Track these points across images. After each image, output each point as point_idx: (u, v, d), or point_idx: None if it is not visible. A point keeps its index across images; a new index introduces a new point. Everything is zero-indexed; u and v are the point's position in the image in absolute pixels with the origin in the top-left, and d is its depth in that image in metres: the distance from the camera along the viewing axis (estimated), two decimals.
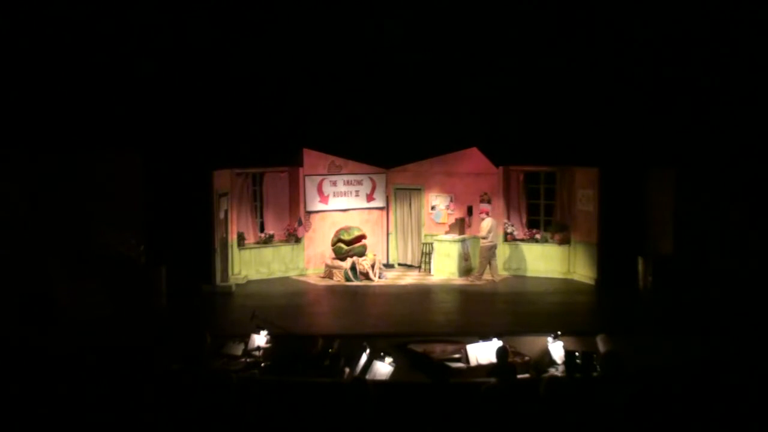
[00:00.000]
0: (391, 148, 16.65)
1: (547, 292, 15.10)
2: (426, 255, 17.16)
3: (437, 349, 10.49)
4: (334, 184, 17.27)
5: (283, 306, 13.87)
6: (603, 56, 14.38)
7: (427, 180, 17.60)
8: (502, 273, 16.59)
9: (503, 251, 16.78)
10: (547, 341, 9.88)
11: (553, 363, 9.60)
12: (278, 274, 16.61)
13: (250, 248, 16.38)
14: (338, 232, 16.60)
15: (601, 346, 10.55)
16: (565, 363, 9.21)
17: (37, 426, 7.57)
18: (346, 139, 16.45)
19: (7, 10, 12.43)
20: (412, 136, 16.05)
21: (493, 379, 7.55)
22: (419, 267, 17.33)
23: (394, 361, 9.21)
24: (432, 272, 16.75)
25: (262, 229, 16.78)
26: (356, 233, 16.52)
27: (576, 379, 8.05)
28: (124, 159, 13.59)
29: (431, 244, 16.97)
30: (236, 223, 16.13)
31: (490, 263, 16.04)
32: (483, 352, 9.60)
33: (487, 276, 16.07)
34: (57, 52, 12.99)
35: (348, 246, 16.39)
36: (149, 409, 7.41)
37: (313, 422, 7.39)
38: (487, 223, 15.94)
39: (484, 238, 15.92)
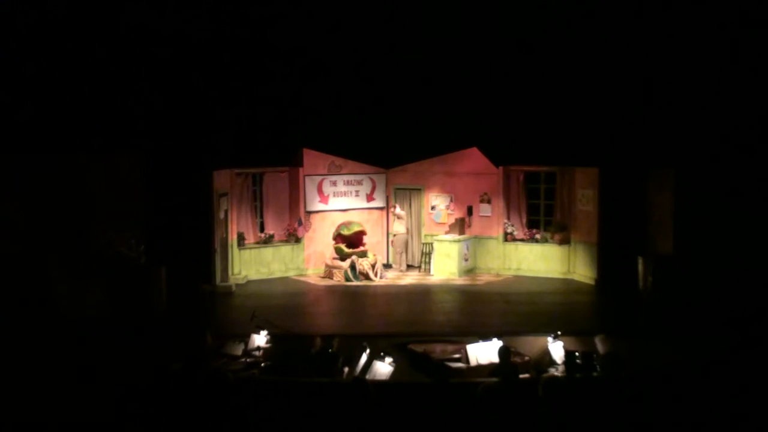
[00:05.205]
0: (391, 148, 16.65)
1: (547, 292, 15.10)
2: (426, 255, 17.17)
3: (437, 349, 10.47)
4: (334, 184, 17.27)
5: (283, 306, 13.86)
6: (602, 56, 14.38)
7: (427, 180, 17.59)
8: (504, 273, 16.68)
9: (503, 251, 16.81)
10: (547, 341, 9.88)
11: (553, 363, 9.59)
12: (278, 274, 16.60)
13: (250, 248, 16.38)
14: (339, 227, 16.64)
15: (600, 347, 10.55)
16: (565, 363, 9.19)
17: (36, 425, 7.58)
18: (346, 139, 16.44)
19: (8, 11, 12.43)
20: (412, 136, 16.05)
21: (491, 379, 7.55)
22: (419, 267, 17.34)
23: (394, 361, 9.20)
24: (432, 272, 16.76)
25: (262, 229, 16.77)
26: (356, 228, 16.59)
27: (576, 379, 8.05)
28: (124, 159, 13.58)
29: (431, 244, 16.98)
30: (236, 223, 16.12)
31: (401, 254, 17.08)
32: (483, 352, 9.59)
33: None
34: (57, 53, 12.98)
35: (348, 249, 16.40)
36: (149, 409, 7.42)
37: (313, 422, 7.39)
38: (402, 218, 17.09)
39: (394, 234, 17.05)
